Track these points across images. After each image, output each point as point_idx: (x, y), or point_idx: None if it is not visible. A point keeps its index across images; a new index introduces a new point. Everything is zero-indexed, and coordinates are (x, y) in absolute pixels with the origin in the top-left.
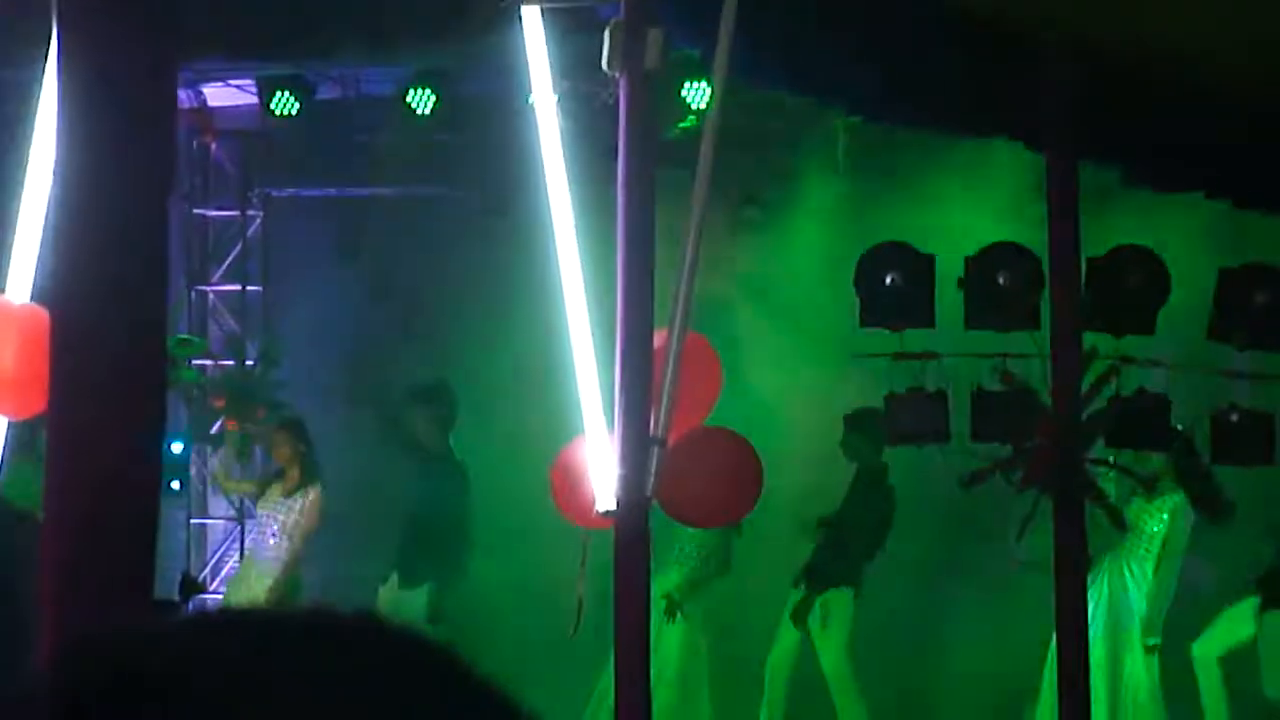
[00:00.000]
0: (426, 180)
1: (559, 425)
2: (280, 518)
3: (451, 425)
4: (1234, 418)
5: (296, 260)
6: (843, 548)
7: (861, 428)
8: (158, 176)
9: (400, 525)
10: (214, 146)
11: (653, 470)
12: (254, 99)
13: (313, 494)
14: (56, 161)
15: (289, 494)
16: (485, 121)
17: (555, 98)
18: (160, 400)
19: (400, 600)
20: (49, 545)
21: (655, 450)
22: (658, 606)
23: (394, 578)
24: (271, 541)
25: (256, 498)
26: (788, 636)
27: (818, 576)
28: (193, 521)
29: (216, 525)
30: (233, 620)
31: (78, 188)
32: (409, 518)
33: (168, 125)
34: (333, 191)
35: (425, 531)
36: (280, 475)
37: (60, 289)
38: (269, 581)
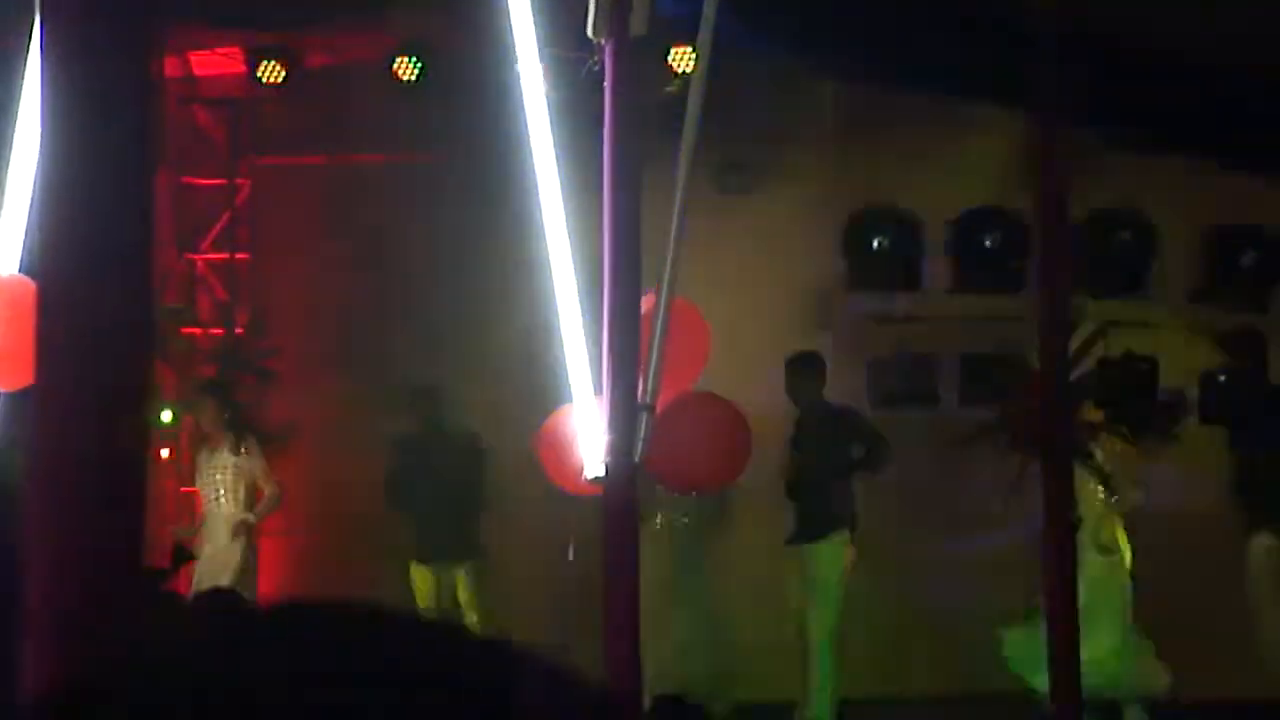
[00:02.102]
0: (413, 147)
1: (550, 392)
2: (218, 477)
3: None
4: (1222, 378)
5: (285, 228)
6: (825, 492)
7: (800, 369)
8: (144, 146)
9: (425, 503)
10: (201, 115)
11: (641, 436)
12: (241, 67)
13: (246, 450)
14: (42, 133)
15: (214, 453)
16: (472, 88)
17: (541, 65)
18: (149, 370)
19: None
20: (36, 518)
21: (644, 416)
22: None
23: (431, 556)
24: (222, 503)
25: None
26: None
27: (811, 524)
28: (182, 490)
29: None
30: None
31: (63, 159)
32: (436, 495)
33: (154, 95)
34: (320, 159)
35: (457, 509)
36: (205, 440)
37: (47, 260)
38: (224, 543)
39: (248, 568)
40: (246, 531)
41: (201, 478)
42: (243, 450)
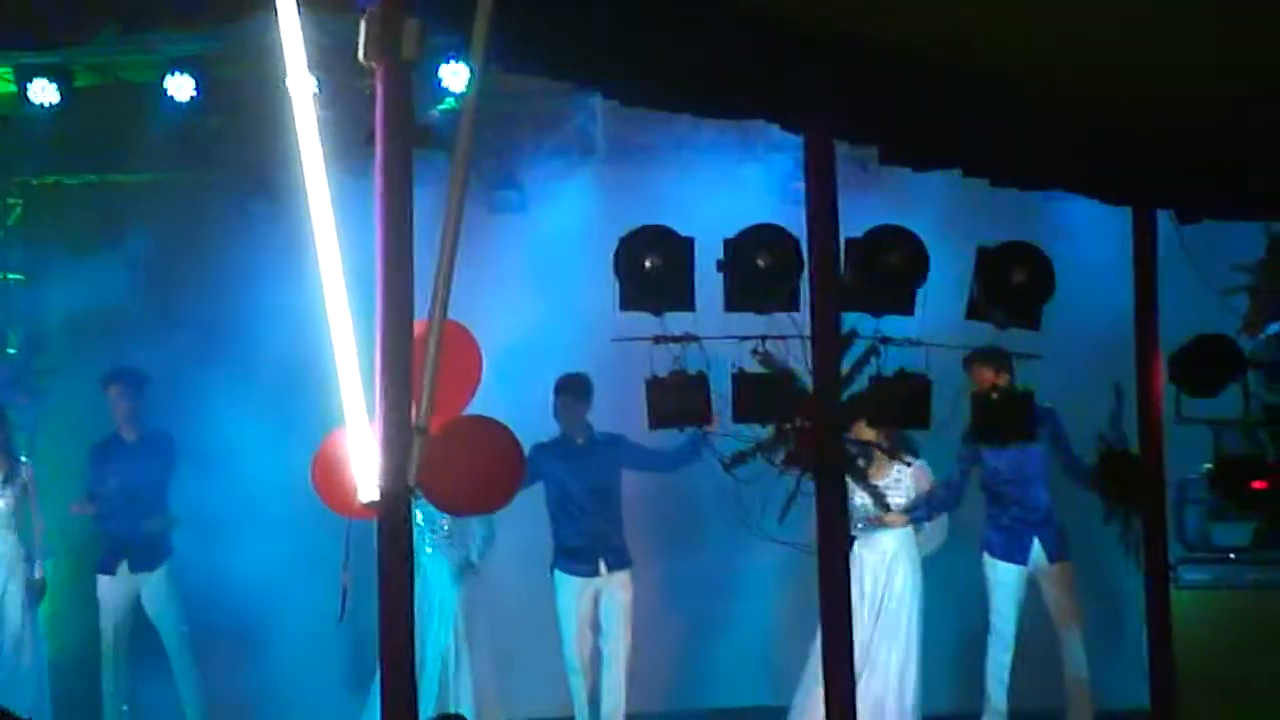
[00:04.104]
0: (188, 166)
1: (322, 414)
2: None
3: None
4: (994, 396)
5: (58, 248)
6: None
7: (565, 391)
8: None
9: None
10: None
11: (415, 459)
12: (13, 86)
13: (24, 476)
14: None
15: (4, 480)
16: (245, 106)
17: (313, 88)
18: None
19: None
20: None
21: (417, 439)
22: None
23: (123, 565)
24: None
25: None
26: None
27: (616, 555)
28: None
29: None
30: None
31: None
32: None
33: None
34: (94, 178)
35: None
36: None
37: None
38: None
39: (30, 594)
40: (18, 553)
41: None
42: (21, 475)
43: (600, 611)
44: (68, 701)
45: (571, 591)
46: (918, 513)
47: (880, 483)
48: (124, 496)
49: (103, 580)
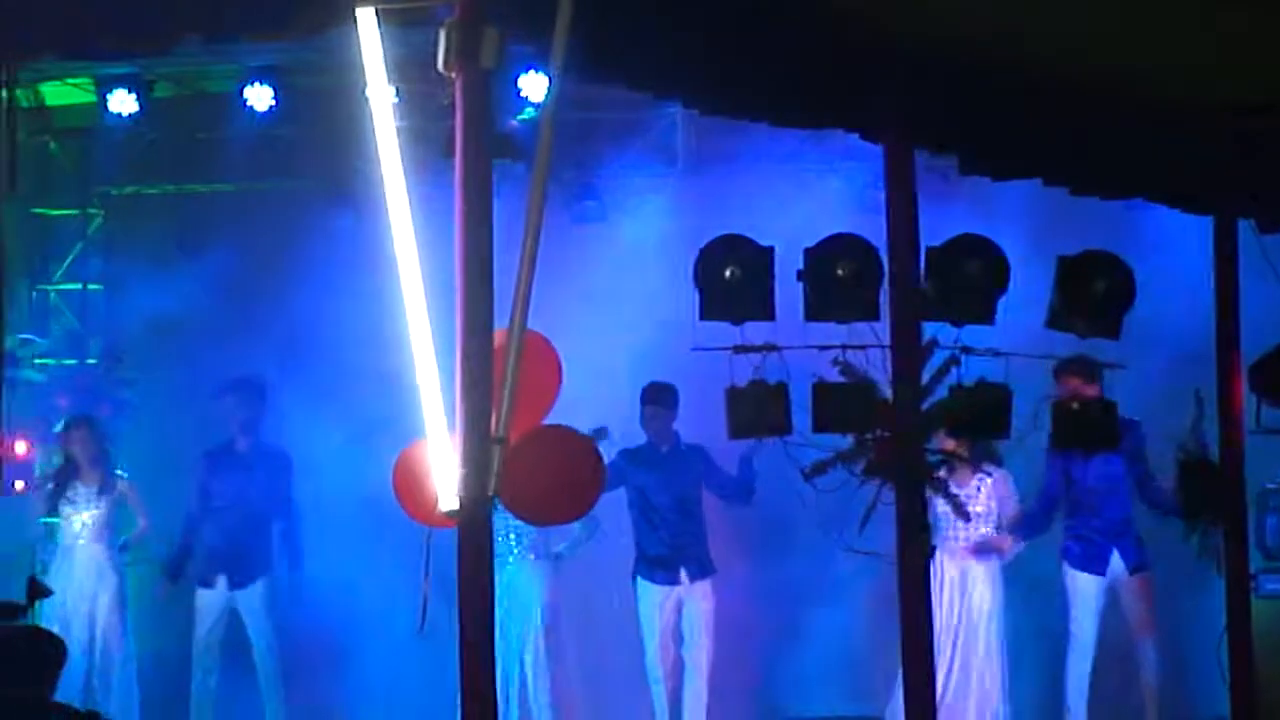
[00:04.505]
0: (266, 175)
1: (402, 423)
2: (86, 511)
3: (259, 416)
4: (1075, 405)
5: (138, 258)
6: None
7: (653, 401)
8: None
9: (211, 524)
10: (52, 146)
11: (495, 469)
12: (93, 97)
13: (120, 488)
14: None
15: (99, 491)
16: (325, 115)
17: (393, 99)
18: None
19: (232, 601)
20: None
21: (497, 449)
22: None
23: (221, 580)
24: (83, 541)
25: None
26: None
27: (698, 565)
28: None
29: None
30: None
31: None
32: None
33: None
34: (172, 188)
35: (245, 529)
36: (76, 473)
37: None
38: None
39: (119, 601)
40: (118, 564)
41: (68, 509)
42: (116, 484)
43: (683, 620)
44: (159, 705)
45: (653, 600)
46: (1021, 530)
47: (960, 493)
48: (232, 507)
49: (201, 593)
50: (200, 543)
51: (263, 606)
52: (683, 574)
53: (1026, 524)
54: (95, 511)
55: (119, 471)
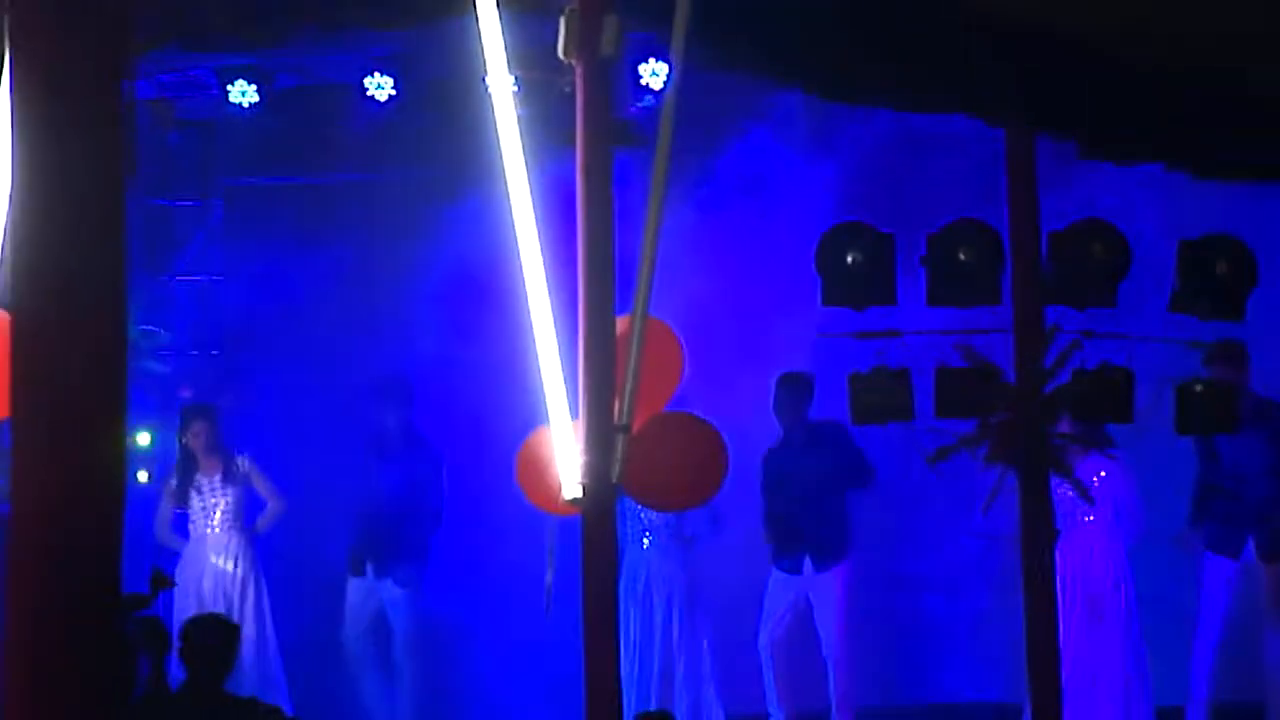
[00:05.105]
0: (387, 165)
1: (524, 413)
2: (213, 500)
3: (411, 413)
4: (1198, 389)
5: (258, 249)
6: (826, 515)
7: (790, 387)
8: (115, 171)
9: (368, 516)
10: (173, 137)
11: (618, 457)
12: (213, 89)
13: (243, 468)
14: (13, 162)
15: (207, 475)
16: (445, 105)
17: (513, 87)
18: (124, 393)
19: (375, 591)
20: (15, 545)
21: (620, 437)
22: None
23: (369, 569)
24: (216, 530)
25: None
26: (783, 616)
27: (825, 550)
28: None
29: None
30: None
31: (35, 187)
32: (379, 508)
33: (124, 120)
34: (293, 179)
35: (401, 521)
36: (195, 464)
37: (20, 288)
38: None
39: (258, 589)
40: (249, 549)
41: (195, 500)
42: (239, 470)
43: (813, 609)
44: (304, 690)
45: (778, 586)
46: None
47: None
48: (386, 499)
49: (353, 583)
50: (362, 536)
51: (408, 597)
52: (807, 562)
53: (1199, 510)
54: (224, 500)
55: (240, 456)
